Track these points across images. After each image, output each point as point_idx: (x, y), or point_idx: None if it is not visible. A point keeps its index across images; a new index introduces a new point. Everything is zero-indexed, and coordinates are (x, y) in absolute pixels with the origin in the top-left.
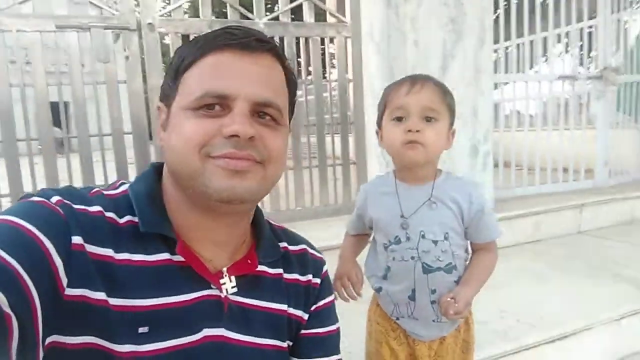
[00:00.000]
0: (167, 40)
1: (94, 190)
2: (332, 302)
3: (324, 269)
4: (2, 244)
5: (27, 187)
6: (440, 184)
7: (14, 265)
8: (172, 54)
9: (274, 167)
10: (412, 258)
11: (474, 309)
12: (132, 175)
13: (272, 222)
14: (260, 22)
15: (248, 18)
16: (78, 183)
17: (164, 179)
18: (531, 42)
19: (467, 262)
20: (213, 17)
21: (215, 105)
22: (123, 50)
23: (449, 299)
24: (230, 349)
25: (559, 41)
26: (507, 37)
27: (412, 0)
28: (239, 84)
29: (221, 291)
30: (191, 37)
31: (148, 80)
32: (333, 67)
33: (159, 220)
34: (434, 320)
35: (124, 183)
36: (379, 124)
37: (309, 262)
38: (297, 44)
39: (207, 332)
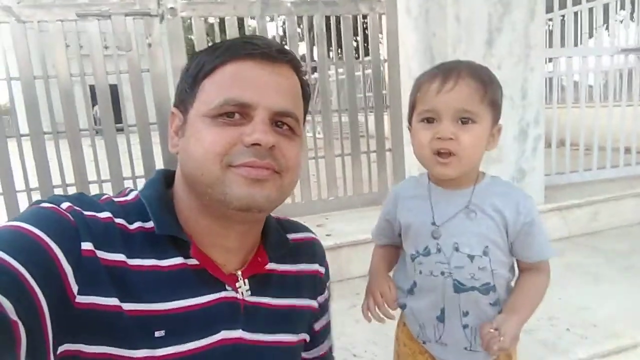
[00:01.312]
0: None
1: (104, 197)
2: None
3: (324, 253)
4: (9, 249)
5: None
6: (482, 189)
7: (21, 271)
8: (194, 39)
9: (291, 176)
10: (442, 274)
11: None
12: (159, 163)
13: (273, 215)
14: (287, 0)
15: None
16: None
17: (175, 185)
18: (590, 9)
19: (511, 283)
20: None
21: (235, 113)
22: (145, 38)
23: (491, 330)
24: (247, 349)
25: (622, 7)
26: (563, 5)
27: None
28: (260, 94)
29: (237, 292)
30: (214, 21)
31: (172, 67)
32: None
33: (173, 223)
34: (466, 348)
35: (132, 190)
36: (410, 120)
37: (315, 251)
38: (327, 23)
39: (224, 334)
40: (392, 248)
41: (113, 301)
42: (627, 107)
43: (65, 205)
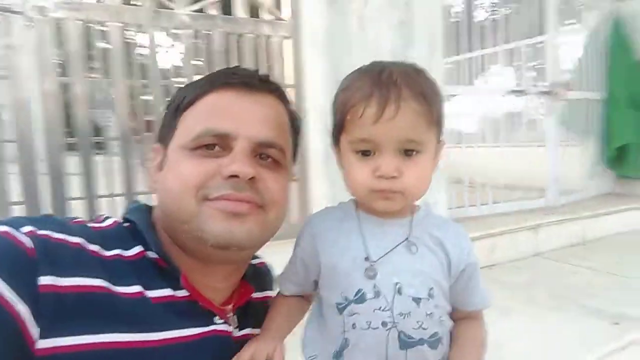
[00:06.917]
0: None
1: (76, 220)
2: None
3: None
4: None
5: None
6: (421, 219)
7: None
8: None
9: (276, 211)
10: (384, 325)
11: None
12: None
13: None
14: (182, 12)
15: (166, 7)
16: None
17: (155, 223)
18: (482, 56)
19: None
20: (122, 4)
21: (214, 145)
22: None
23: None
24: None
25: (511, 56)
26: (458, 52)
27: None
28: (240, 123)
29: (229, 326)
30: (95, 27)
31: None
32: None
33: (163, 251)
34: None
35: (108, 217)
36: (336, 139)
37: (266, 275)
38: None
39: None
40: (300, 300)
41: (87, 339)
42: (515, 148)
43: (26, 229)
